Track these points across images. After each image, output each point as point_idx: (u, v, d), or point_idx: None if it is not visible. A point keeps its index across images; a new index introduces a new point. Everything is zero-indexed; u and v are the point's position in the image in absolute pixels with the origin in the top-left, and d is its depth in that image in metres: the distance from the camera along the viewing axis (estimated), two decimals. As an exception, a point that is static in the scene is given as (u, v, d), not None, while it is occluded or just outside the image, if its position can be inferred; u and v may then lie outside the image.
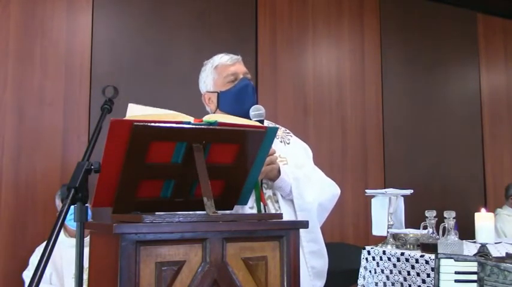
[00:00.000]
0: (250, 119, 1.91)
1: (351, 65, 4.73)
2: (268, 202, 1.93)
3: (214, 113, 2.03)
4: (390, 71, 4.92)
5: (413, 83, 5.06)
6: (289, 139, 2.15)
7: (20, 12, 3.46)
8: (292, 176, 1.96)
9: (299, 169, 2.03)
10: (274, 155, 1.91)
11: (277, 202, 1.96)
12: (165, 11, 3.95)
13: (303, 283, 1.88)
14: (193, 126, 1.34)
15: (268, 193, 1.95)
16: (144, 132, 1.26)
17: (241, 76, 2.01)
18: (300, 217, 1.94)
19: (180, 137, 1.32)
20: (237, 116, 1.92)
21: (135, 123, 1.25)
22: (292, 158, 2.06)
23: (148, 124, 1.26)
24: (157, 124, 1.28)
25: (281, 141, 2.10)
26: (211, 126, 1.36)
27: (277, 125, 2.18)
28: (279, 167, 1.93)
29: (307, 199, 1.97)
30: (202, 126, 1.35)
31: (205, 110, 2.07)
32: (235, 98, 1.98)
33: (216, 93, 2.01)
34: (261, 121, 1.90)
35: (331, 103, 4.58)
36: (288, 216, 1.92)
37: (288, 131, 2.20)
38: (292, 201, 1.96)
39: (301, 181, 1.98)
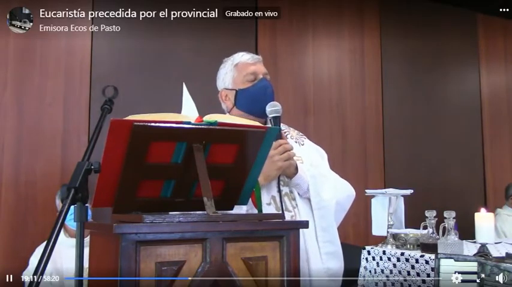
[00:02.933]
0: (267, 116, 1.92)
1: (351, 65, 4.72)
2: (286, 199, 1.92)
3: (230, 110, 2.03)
4: (390, 71, 4.92)
5: (413, 83, 5.06)
6: (303, 141, 2.14)
7: (20, 12, 3.46)
8: (309, 174, 1.95)
9: (315, 168, 2.01)
10: (292, 151, 1.90)
11: (294, 199, 1.94)
12: (165, 11, 3.94)
13: (320, 284, 1.88)
14: (193, 126, 1.34)
15: (285, 190, 1.93)
16: (144, 132, 1.26)
17: (260, 76, 2.01)
18: (317, 215, 1.92)
19: (180, 137, 1.32)
20: (253, 115, 1.94)
21: (135, 123, 1.25)
22: (308, 158, 2.04)
23: (149, 124, 1.26)
24: (157, 124, 1.28)
25: (296, 142, 2.09)
26: (211, 126, 1.36)
27: (291, 127, 2.18)
28: (296, 164, 1.92)
29: (325, 196, 1.95)
30: (202, 127, 1.35)
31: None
32: (254, 98, 1.97)
33: (234, 91, 2.01)
34: (278, 117, 1.90)
35: (331, 103, 4.57)
36: (305, 214, 1.91)
37: (301, 133, 2.19)
38: (309, 199, 1.95)
39: (318, 179, 1.96)
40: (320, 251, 1.92)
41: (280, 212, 1.86)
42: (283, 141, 1.89)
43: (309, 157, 2.07)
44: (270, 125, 1.91)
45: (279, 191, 1.90)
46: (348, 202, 2.09)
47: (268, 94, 1.98)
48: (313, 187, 1.94)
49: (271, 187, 1.89)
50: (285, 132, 2.07)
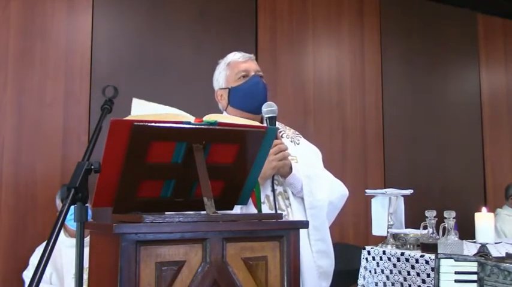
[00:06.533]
0: (262, 116, 1.93)
1: (351, 65, 4.72)
2: (279, 198, 1.94)
3: (225, 109, 2.06)
4: (390, 71, 4.92)
5: (413, 83, 5.06)
6: (298, 140, 2.16)
7: (20, 12, 3.46)
8: (303, 174, 1.97)
9: (310, 168, 2.03)
10: (286, 151, 1.92)
11: (287, 198, 1.96)
12: (165, 10, 3.95)
13: (311, 282, 1.89)
14: (193, 126, 1.34)
15: (279, 189, 1.95)
16: (144, 132, 1.26)
17: (252, 73, 2.03)
18: (310, 215, 1.94)
19: (180, 137, 1.32)
20: (247, 112, 1.96)
21: (135, 123, 1.25)
22: (303, 157, 2.07)
23: (148, 124, 1.26)
24: (157, 124, 1.28)
25: (291, 141, 2.11)
26: (211, 126, 1.36)
27: (287, 127, 2.20)
28: (291, 164, 1.93)
29: (318, 196, 1.97)
30: (202, 126, 1.35)
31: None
32: (246, 94, 2.00)
33: (227, 90, 2.04)
34: (274, 118, 1.91)
35: (331, 103, 4.57)
36: (298, 213, 1.93)
37: (297, 132, 2.21)
38: (302, 198, 1.96)
39: (312, 179, 1.98)
40: (312, 249, 1.94)
41: (274, 211, 1.88)
42: (278, 142, 1.92)
43: (304, 156, 2.08)
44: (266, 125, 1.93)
45: (273, 190, 1.92)
46: (341, 202, 2.11)
47: (259, 90, 2.00)
48: (307, 187, 1.96)
49: (265, 186, 1.91)
50: (280, 132, 2.10)
